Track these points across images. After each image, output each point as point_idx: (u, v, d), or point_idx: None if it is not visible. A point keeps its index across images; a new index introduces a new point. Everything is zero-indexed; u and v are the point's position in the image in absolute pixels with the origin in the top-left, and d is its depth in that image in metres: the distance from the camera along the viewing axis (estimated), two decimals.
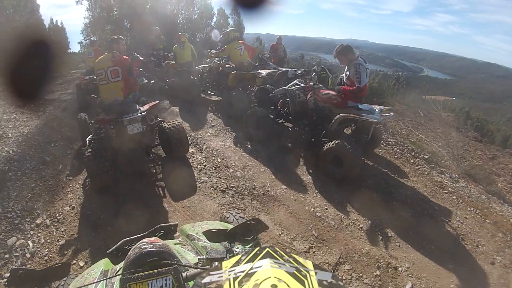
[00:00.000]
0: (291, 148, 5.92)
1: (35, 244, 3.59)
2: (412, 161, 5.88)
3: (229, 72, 7.19)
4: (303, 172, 5.12)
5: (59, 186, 4.62)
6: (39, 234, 3.74)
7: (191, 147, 5.58)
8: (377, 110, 4.82)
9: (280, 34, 11.49)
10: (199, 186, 4.67)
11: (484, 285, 3.46)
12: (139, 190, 4.52)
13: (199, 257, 1.35)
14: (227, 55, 7.38)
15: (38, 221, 3.90)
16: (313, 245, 3.70)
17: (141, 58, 8.86)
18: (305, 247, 3.67)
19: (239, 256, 0.77)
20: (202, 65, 8.77)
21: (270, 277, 0.62)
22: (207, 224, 2.11)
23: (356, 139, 5.24)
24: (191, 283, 1.31)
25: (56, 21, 17.25)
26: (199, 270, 1.21)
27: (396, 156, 6.00)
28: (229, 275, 0.68)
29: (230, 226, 1.81)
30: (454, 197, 4.91)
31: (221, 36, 9.33)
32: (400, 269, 3.50)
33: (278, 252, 0.74)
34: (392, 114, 5.19)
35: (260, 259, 0.71)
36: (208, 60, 8.85)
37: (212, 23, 18.00)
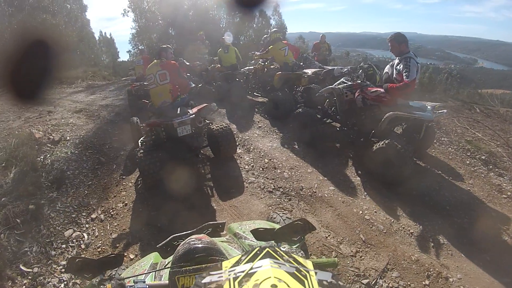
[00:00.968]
0: (339, 148, 5.84)
1: (89, 236, 3.91)
2: (467, 162, 5.57)
3: (274, 73, 7.26)
4: (352, 174, 5.05)
5: (113, 184, 4.99)
6: (94, 228, 4.06)
7: (239, 148, 5.72)
8: (429, 107, 4.61)
9: (324, 32, 11.39)
10: (247, 186, 4.77)
11: None
12: (188, 190, 4.65)
13: None
14: (271, 56, 7.45)
15: (93, 216, 4.26)
16: (360, 249, 3.62)
17: (187, 63, 9.21)
18: (351, 251, 3.60)
19: (239, 256, 0.79)
20: (247, 67, 8.93)
21: (270, 277, 0.63)
22: (254, 223, 2.17)
23: (407, 138, 5.04)
24: None
25: (105, 33, 18.42)
26: None
27: (450, 157, 5.71)
28: (229, 275, 0.69)
29: (277, 226, 1.86)
30: None
31: (265, 37, 9.44)
32: (451, 279, 3.30)
33: (278, 252, 0.75)
34: (445, 111, 4.94)
35: (260, 259, 0.72)
36: (253, 62, 8.99)
37: (255, 26, 18.13)
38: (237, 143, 5.67)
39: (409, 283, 3.26)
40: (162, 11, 17.33)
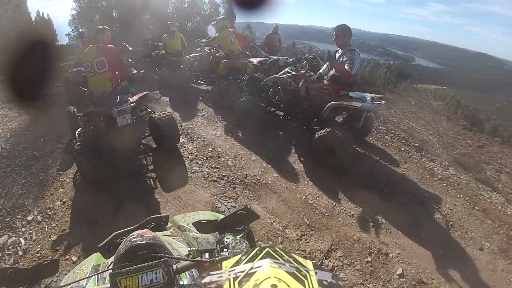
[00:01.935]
0: (283, 136, 5.89)
1: (27, 241, 3.54)
2: (403, 148, 5.91)
3: (220, 61, 7.11)
4: (295, 160, 5.11)
5: (49, 181, 4.55)
6: (31, 231, 3.69)
7: (182, 137, 5.53)
8: (368, 98, 4.80)
9: (272, 23, 11.36)
10: (191, 176, 4.63)
11: (472, 271, 3.49)
12: (130, 182, 4.47)
13: (190, 248, 1.34)
14: (217, 44, 7.29)
15: (29, 218, 3.85)
16: (305, 233, 3.71)
17: (130, 48, 8.73)
18: (297, 234, 3.67)
19: (239, 256, 0.77)
20: (193, 54, 8.68)
21: (270, 277, 0.62)
22: (198, 214, 2.09)
23: (348, 127, 5.22)
24: (182, 276, 1.31)
25: (43, 13, 16.80)
26: (189, 262, 1.21)
27: (387, 144, 6.02)
28: (229, 275, 0.69)
29: (221, 216, 1.79)
30: (444, 184, 4.95)
31: (211, 24, 9.23)
32: (391, 255, 3.52)
33: (278, 252, 0.74)
34: (383, 102, 5.18)
35: (260, 259, 0.71)
36: (199, 49, 8.76)
37: (203, 12, 17.72)
38: (180, 132, 5.49)
39: (352, 261, 3.41)
40: None
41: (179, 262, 1.22)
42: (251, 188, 4.41)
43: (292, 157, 5.20)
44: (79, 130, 4.76)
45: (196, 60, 8.35)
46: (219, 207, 2.60)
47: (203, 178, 4.58)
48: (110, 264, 1.49)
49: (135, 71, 7.28)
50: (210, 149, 5.27)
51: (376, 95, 5.08)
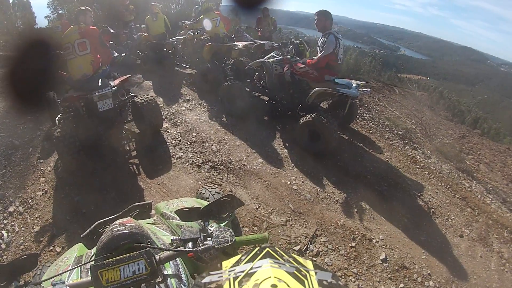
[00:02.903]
0: (268, 121, 5.85)
1: (9, 234, 3.46)
2: (386, 136, 5.95)
3: (204, 44, 6.96)
4: (280, 146, 5.09)
5: (30, 170, 4.41)
6: (13, 223, 3.60)
7: (165, 122, 5.43)
8: (354, 85, 4.78)
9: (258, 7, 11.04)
10: (174, 162, 4.56)
11: (453, 257, 3.59)
12: (112, 169, 4.38)
13: (172, 237, 1.30)
14: (202, 26, 7.12)
15: (10, 209, 3.75)
16: (290, 218, 3.72)
17: (111, 31, 8.45)
18: (282, 220, 3.68)
19: (239, 256, 0.76)
20: (176, 37, 8.46)
21: (270, 277, 0.62)
22: (181, 201, 2.05)
23: (333, 113, 5.22)
24: (166, 265, 1.28)
25: None
26: (172, 252, 1.18)
27: (371, 131, 6.05)
28: (229, 275, 0.68)
29: (205, 203, 1.75)
30: (426, 172, 5.02)
31: (196, 7, 9.00)
32: (374, 240, 3.58)
33: (278, 252, 0.74)
34: (368, 89, 5.18)
35: (260, 259, 0.71)
36: (183, 32, 8.56)
37: None
38: (164, 117, 5.38)
39: (337, 246, 3.46)
40: None
41: (162, 252, 1.19)
42: (235, 173, 4.37)
43: (276, 143, 5.17)
44: (59, 116, 4.57)
45: (180, 43, 8.17)
46: (203, 193, 2.57)
47: (187, 164, 4.51)
48: (93, 255, 1.44)
49: (116, 54, 7.08)
50: (194, 134, 5.18)
51: (361, 82, 5.07)
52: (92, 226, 1.86)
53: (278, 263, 0.68)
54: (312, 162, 4.72)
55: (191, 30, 7.70)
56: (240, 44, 6.61)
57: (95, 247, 1.29)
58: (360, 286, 3.11)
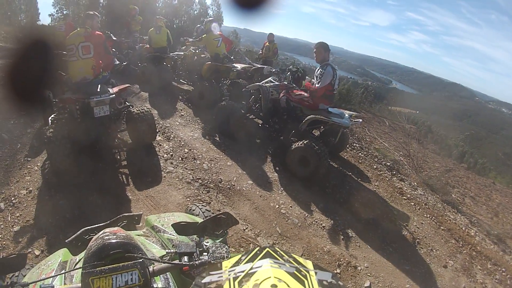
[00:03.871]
0: (260, 144, 5.91)
1: None
2: (375, 166, 6.08)
3: (204, 62, 7.08)
4: (270, 169, 5.14)
5: (16, 167, 4.32)
6: None
7: (159, 135, 5.43)
8: (346, 115, 4.93)
9: (258, 31, 11.28)
10: (164, 176, 4.55)
11: (437, 287, 3.67)
12: (101, 177, 4.34)
13: (167, 250, 1.32)
14: (203, 44, 7.26)
15: None
16: (277, 241, 3.74)
17: (114, 38, 8.51)
18: (268, 243, 3.69)
19: (239, 256, 0.77)
20: (177, 52, 8.59)
21: (270, 277, 0.62)
22: (173, 215, 2.07)
23: (324, 141, 5.32)
24: (157, 279, 1.28)
25: None
26: (167, 264, 1.18)
27: (360, 161, 6.17)
28: (229, 275, 0.68)
29: (197, 219, 1.77)
30: (412, 203, 5.14)
31: (199, 26, 9.18)
32: (359, 268, 3.62)
33: (278, 252, 0.74)
34: (360, 120, 5.33)
35: (260, 259, 0.71)
36: (184, 48, 8.69)
37: (191, 12, 17.60)
38: (157, 130, 5.37)
39: None
40: None
41: (155, 264, 1.18)
42: (225, 193, 4.39)
43: (267, 166, 5.23)
44: (52, 116, 4.55)
45: (180, 59, 8.27)
46: (193, 210, 2.57)
47: (177, 179, 4.51)
48: (79, 262, 1.44)
49: (117, 62, 7.12)
50: (186, 150, 5.21)
51: (354, 112, 5.22)
52: (78, 232, 1.85)
53: (278, 263, 0.68)
54: (301, 187, 4.78)
55: (192, 47, 7.83)
56: (239, 66, 6.75)
57: (82, 253, 1.30)
58: None
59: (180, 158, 4.98)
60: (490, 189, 7.45)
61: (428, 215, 4.92)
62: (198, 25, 9.53)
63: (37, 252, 3.19)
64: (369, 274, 3.58)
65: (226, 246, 1.27)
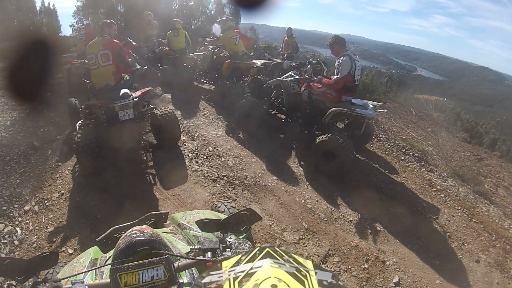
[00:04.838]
0: (284, 139, 5.89)
1: (23, 231, 3.53)
2: (402, 158, 5.92)
3: (223, 61, 7.12)
4: (295, 164, 5.11)
5: (47, 172, 4.54)
6: (28, 221, 3.67)
7: (183, 135, 5.52)
8: (370, 105, 4.82)
9: (276, 26, 11.22)
10: (190, 175, 4.62)
11: (468, 282, 3.52)
12: (129, 178, 4.46)
13: (191, 247, 1.34)
14: (222, 43, 7.29)
15: (26, 208, 3.83)
16: (303, 237, 3.72)
17: (133, 43, 8.68)
18: (295, 238, 3.68)
19: (239, 256, 0.76)
20: (196, 53, 8.66)
21: (270, 277, 0.62)
22: (198, 213, 2.10)
23: (349, 133, 5.23)
24: (182, 274, 1.31)
25: (48, 3, 16.70)
26: (191, 260, 1.21)
27: (387, 152, 6.03)
28: (229, 275, 0.68)
29: (222, 216, 1.79)
30: (443, 195, 4.96)
31: (217, 24, 9.21)
32: (387, 263, 3.54)
33: (278, 252, 0.74)
34: (385, 110, 5.19)
35: (260, 259, 0.70)
36: (203, 48, 8.75)
37: (208, 11, 17.70)
38: (181, 130, 5.46)
39: (349, 267, 3.43)
40: None
41: (180, 260, 1.22)
42: (250, 189, 4.41)
43: (292, 161, 5.20)
44: (79, 122, 4.72)
45: (199, 59, 8.34)
46: (219, 207, 2.61)
47: (202, 177, 4.57)
48: (108, 259, 1.49)
49: (138, 67, 7.26)
50: (210, 148, 5.26)
51: (378, 103, 5.09)
52: (108, 231, 1.90)
53: (278, 263, 0.68)
54: (326, 181, 4.73)
55: (211, 47, 7.87)
56: (259, 62, 6.74)
57: (111, 251, 1.34)
58: None
59: (204, 157, 5.04)
60: None
61: (459, 207, 4.73)
62: (217, 21, 9.57)
63: (70, 251, 3.33)
64: (397, 269, 3.49)
65: (249, 242, 1.29)
